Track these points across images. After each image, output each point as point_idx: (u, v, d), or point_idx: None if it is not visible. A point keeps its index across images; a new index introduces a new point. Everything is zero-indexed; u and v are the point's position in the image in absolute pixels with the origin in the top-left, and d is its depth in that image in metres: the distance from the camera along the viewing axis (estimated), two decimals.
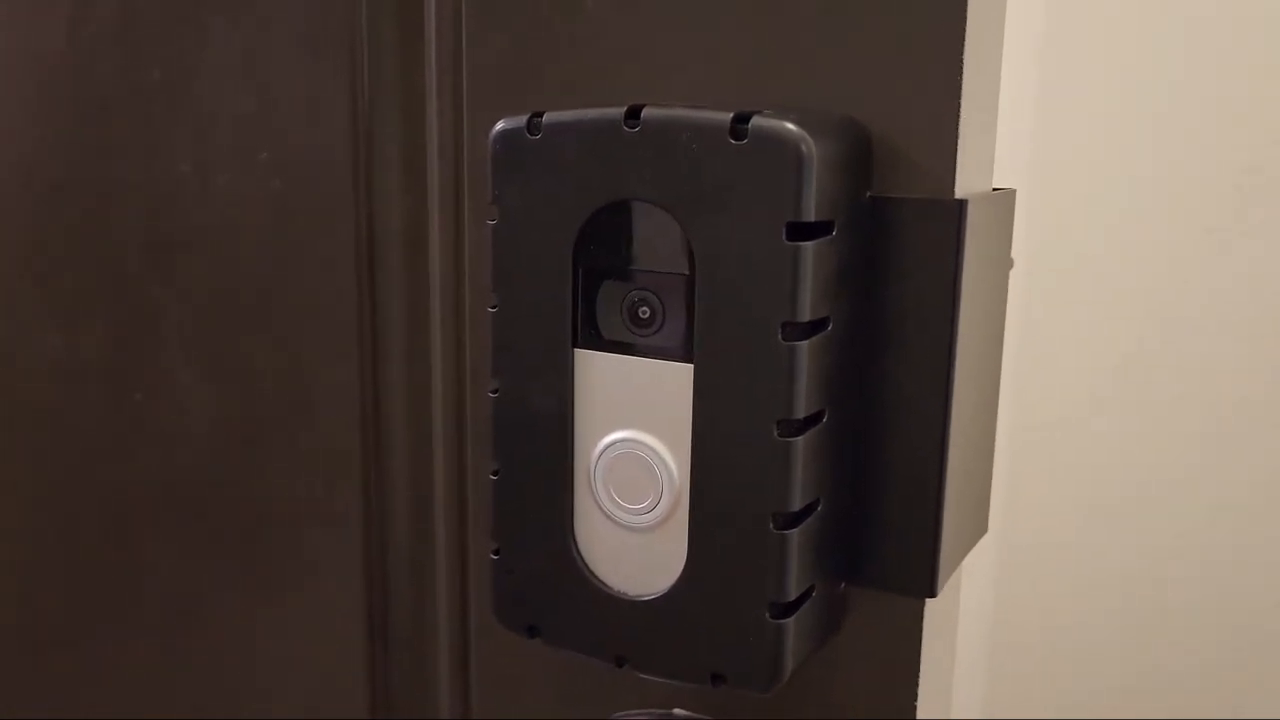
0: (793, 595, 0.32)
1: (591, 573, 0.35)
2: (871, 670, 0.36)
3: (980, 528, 0.39)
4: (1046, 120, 0.88)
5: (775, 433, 0.31)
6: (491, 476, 0.36)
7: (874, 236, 0.33)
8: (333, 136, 0.42)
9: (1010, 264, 0.39)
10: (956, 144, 0.32)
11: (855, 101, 0.33)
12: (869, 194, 0.33)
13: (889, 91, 0.33)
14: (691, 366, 0.32)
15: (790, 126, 0.30)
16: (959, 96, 0.32)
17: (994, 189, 0.36)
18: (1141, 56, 0.86)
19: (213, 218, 0.46)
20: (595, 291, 0.33)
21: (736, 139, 0.30)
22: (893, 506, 0.35)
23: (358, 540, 0.45)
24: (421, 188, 0.42)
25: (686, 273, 0.32)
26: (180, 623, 0.50)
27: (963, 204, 0.32)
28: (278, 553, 0.47)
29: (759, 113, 0.30)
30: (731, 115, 0.30)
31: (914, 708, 0.36)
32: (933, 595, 0.35)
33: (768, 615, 0.32)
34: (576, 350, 0.34)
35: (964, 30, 0.32)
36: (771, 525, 0.31)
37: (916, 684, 0.35)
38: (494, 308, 0.35)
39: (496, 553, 0.36)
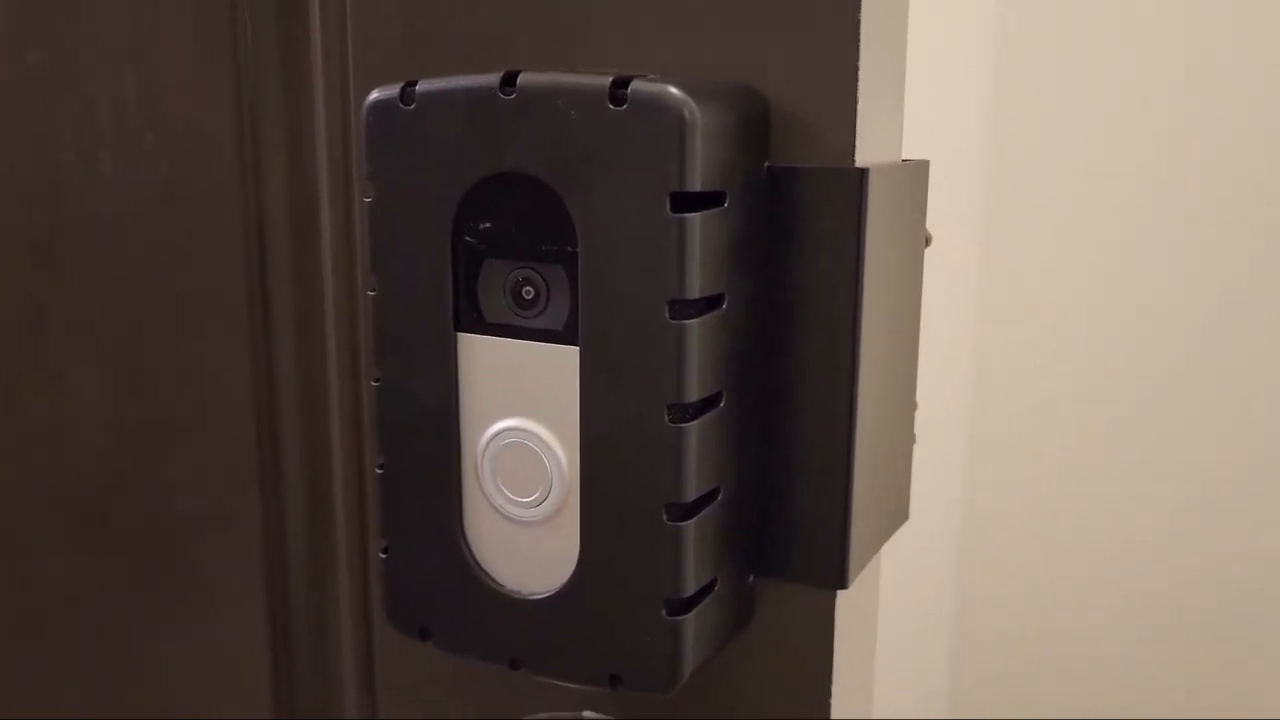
0: (690, 590, 0.30)
1: (483, 570, 0.33)
2: (782, 667, 0.34)
3: (899, 515, 0.38)
4: (1005, 103, 0.87)
5: (666, 418, 0.29)
6: (377, 470, 0.34)
7: (773, 209, 0.32)
8: (218, 117, 0.40)
9: (927, 240, 0.37)
10: (855, 110, 0.31)
11: (752, 69, 0.32)
12: (766, 164, 0.31)
13: (786, 57, 0.31)
14: (577, 349, 0.30)
15: (673, 91, 0.28)
16: (856, 60, 0.30)
17: (904, 160, 0.35)
18: (1103, 45, 0.85)
19: (98, 206, 0.43)
20: (476, 271, 0.31)
21: (615, 104, 0.28)
22: (799, 494, 0.33)
23: (257, 541, 0.43)
24: (311, 169, 0.40)
25: (570, 249, 0.30)
26: (75, 631, 0.48)
27: (864, 173, 0.31)
28: (175, 556, 0.45)
29: (640, 77, 0.28)
30: (610, 79, 0.28)
31: (828, 705, 0.34)
32: (843, 587, 0.33)
33: (664, 612, 0.30)
34: (459, 334, 0.32)
35: None
36: (665, 517, 0.30)
37: (830, 681, 0.34)
38: (373, 291, 0.32)
39: (385, 551, 0.34)
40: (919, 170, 0.35)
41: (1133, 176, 0.86)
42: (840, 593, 0.33)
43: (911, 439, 0.38)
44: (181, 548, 0.45)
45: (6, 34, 0.44)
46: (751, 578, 0.34)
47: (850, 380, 0.32)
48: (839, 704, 0.34)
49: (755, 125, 0.31)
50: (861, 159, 0.31)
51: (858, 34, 0.30)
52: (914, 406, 0.38)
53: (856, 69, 0.30)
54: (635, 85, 0.28)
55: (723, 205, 0.29)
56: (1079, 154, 0.86)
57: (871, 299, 0.32)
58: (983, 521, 0.94)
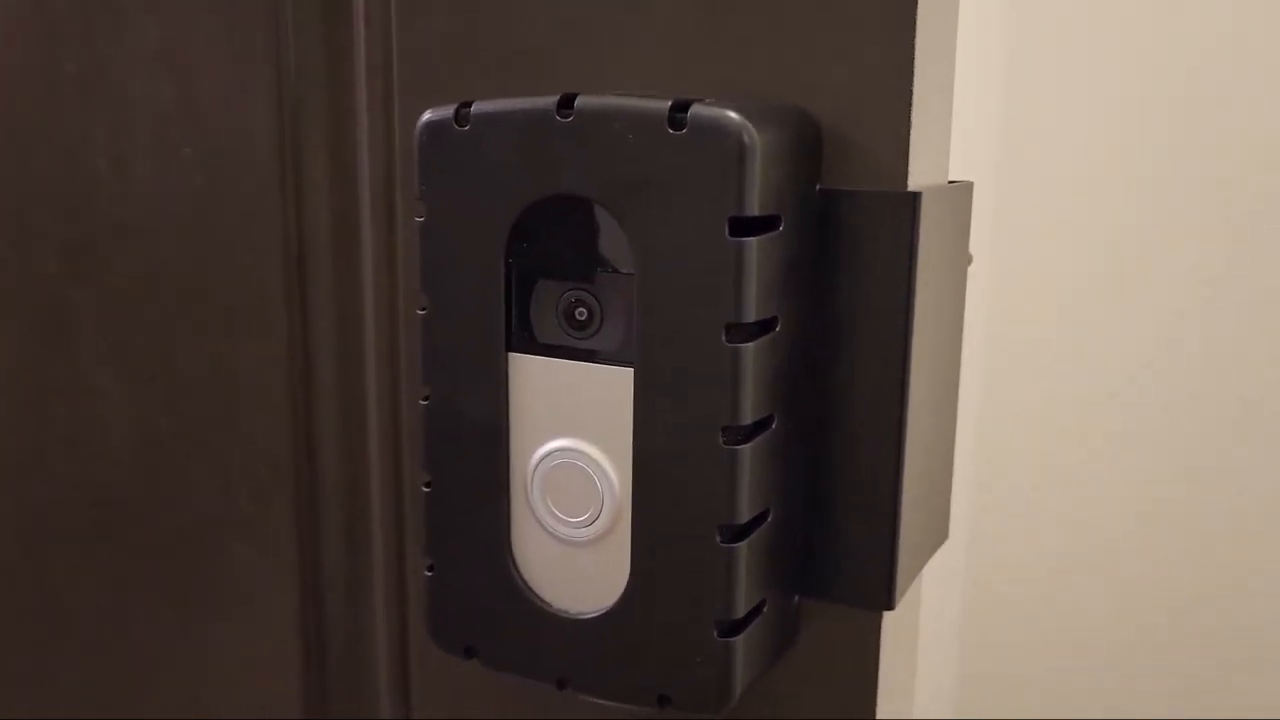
0: (741, 612, 0.30)
1: (530, 590, 0.33)
2: (827, 687, 0.34)
3: (940, 534, 0.38)
4: (1013, 115, 0.87)
5: (721, 440, 0.29)
6: (424, 489, 0.34)
7: (824, 231, 0.32)
8: (258, 129, 0.40)
9: (969, 260, 0.37)
10: (909, 134, 0.31)
11: (804, 89, 0.32)
12: (818, 187, 0.32)
13: (838, 79, 0.31)
14: (632, 371, 0.30)
15: (732, 115, 0.28)
16: (911, 83, 0.30)
17: (950, 182, 0.35)
18: (1110, 54, 0.85)
19: (133, 215, 0.43)
20: (529, 292, 0.31)
21: (675, 129, 0.28)
22: (847, 516, 0.33)
23: (291, 556, 0.43)
24: (352, 183, 0.40)
25: (626, 271, 0.30)
26: (103, 645, 0.48)
27: (916, 196, 0.31)
28: (206, 570, 0.45)
29: (699, 100, 0.28)
30: (669, 103, 0.28)
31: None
32: (890, 608, 0.33)
33: (715, 633, 0.30)
34: (510, 354, 0.32)
35: (915, 15, 0.30)
36: (718, 538, 0.30)
37: (875, 701, 0.34)
38: (423, 310, 0.32)
39: (430, 569, 0.34)
40: (964, 192, 0.35)
41: (1138, 183, 0.86)
42: (886, 613, 0.34)
43: (952, 457, 0.38)
44: (213, 557, 0.45)
45: (42, 41, 0.44)
46: (797, 598, 0.34)
47: (900, 403, 0.32)
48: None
49: (808, 147, 0.31)
50: (913, 181, 0.31)
51: (912, 56, 0.30)
52: (955, 424, 0.38)
53: (911, 91, 0.30)
54: (695, 109, 0.28)
55: (778, 229, 0.29)
56: (1083, 162, 0.87)
57: (921, 322, 0.32)
58: (986, 525, 0.95)
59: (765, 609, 0.31)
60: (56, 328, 0.46)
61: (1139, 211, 0.86)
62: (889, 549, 0.33)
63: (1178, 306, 0.87)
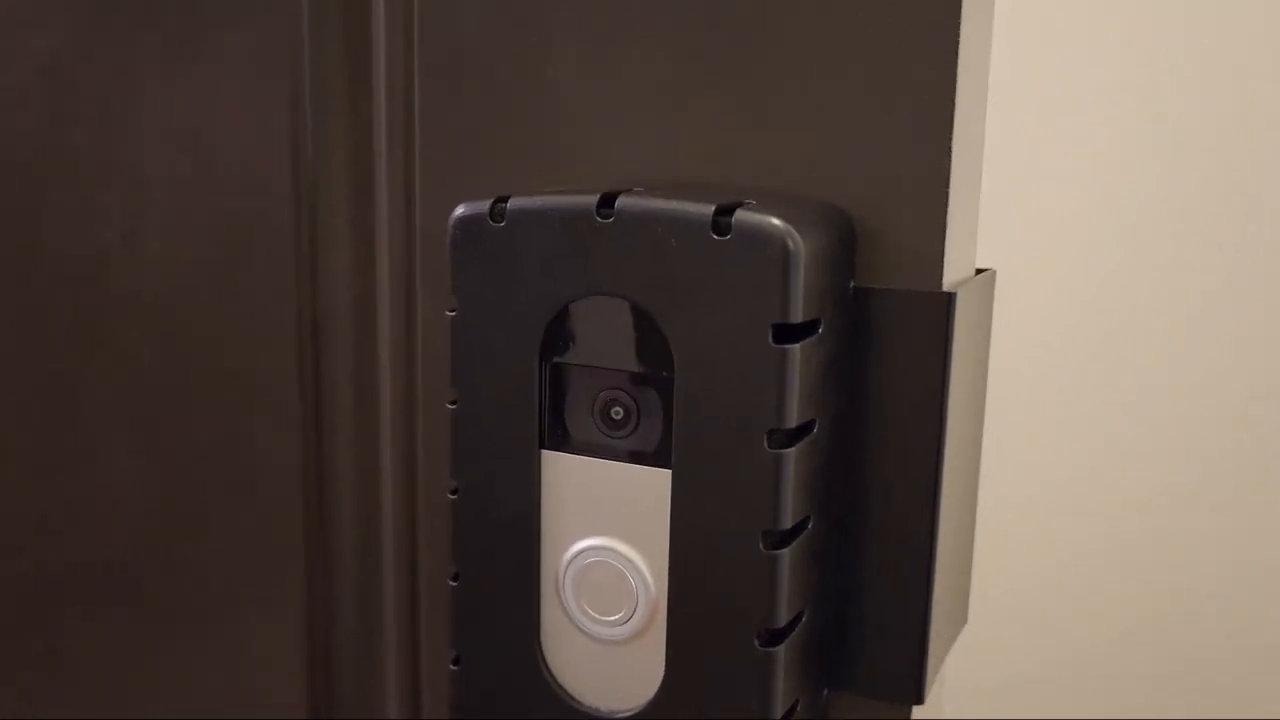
0: (779, 715, 0.30)
1: (560, 687, 0.32)
2: None
3: (960, 620, 0.38)
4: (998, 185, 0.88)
5: (761, 545, 0.29)
6: (451, 582, 0.33)
7: (858, 330, 0.32)
8: (275, 205, 0.40)
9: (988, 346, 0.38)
10: (944, 232, 0.31)
11: (838, 184, 0.32)
12: (852, 284, 0.32)
13: (874, 174, 0.31)
14: (669, 472, 0.30)
15: (775, 222, 0.28)
16: (947, 181, 0.31)
17: (977, 271, 0.35)
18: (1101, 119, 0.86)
19: (143, 287, 0.43)
20: (564, 390, 0.31)
21: (719, 234, 0.28)
22: (878, 611, 0.33)
23: (300, 633, 0.42)
24: (370, 265, 0.39)
25: (664, 373, 0.30)
26: (105, 716, 0.47)
27: (951, 297, 0.31)
28: (213, 643, 0.44)
29: (742, 204, 0.28)
30: (713, 208, 0.28)
31: None
32: (919, 702, 0.33)
33: None
34: (544, 451, 0.31)
35: (953, 114, 0.30)
36: (756, 642, 0.29)
37: None
38: (453, 404, 0.32)
39: (456, 662, 0.34)
40: (989, 281, 0.35)
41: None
42: (915, 707, 0.33)
43: (973, 542, 0.38)
44: (223, 628, 0.44)
45: (52, 112, 0.43)
46: (825, 691, 0.34)
47: (932, 501, 0.32)
48: None
49: (845, 246, 0.31)
50: (947, 277, 0.31)
51: (949, 152, 0.30)
52: (976, 509, 0.38)
53: (947, 189, 0.31)
54: (739, 215, 0.28)
55: (818, 333, 0.29)
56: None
57: (953, 419, 0.32)
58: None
59: (798, 707, 0.31)
60: (66, 397, 0.45)
61: (1146, 280, 0.87)
62: (919, 644, 0.33)
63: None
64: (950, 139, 0.30)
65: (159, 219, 0.42)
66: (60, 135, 0.43)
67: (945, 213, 0.31)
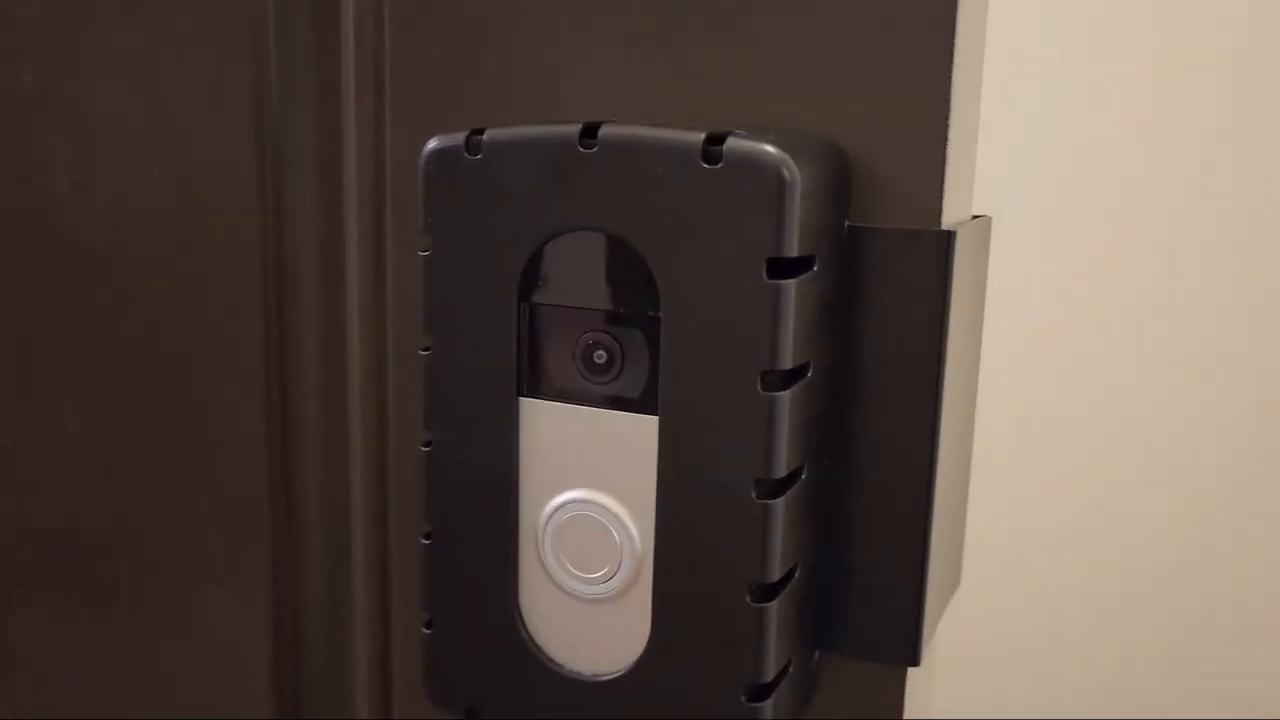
0: (771, 674, 0.28)
1: (539, 649, 0.31)
2: None
3: (954, 581, 0.36)
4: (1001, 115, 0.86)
5: (753, 494, 0.27)
6: (423, 541, 0.31)
7: (852, 271, 0.30)
8: (237, 149, 0.38)
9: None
10: (944, 169, 0.29)
11: (832, 122, 0.30)
12: (846, 224, 0.30)
13: (871, 112, 0.30)
14: (655, 419, 0.28)
15: (769, 149, 0.26)
16: (947, 117, 0.29)
17: (973, 217, 0.33)
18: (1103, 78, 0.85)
19: (96, 239, 0.40)
20: (544, 333, 0.29)
21: (709, 162, 0.26)
22: (872, 568, 0.31)
23: (265, 606, 0.40)
24: (337, 207, 0.37)
25: (650, 313, 0.28)
26: (57, 702, 0.45)
27: (950, 235, 0.29)
28: (172, 619, 0.42)
29: (733, 133, 0.27)
30: (703, 135, 0.27)
31: None
32: (915, 664, 0.32)
33: (743, 698, 0.28)
34: (522, 399, 0.30)
35: (953, 44, 0.29)
36: (748, 597, 0.28)
37: None
38: (426, 350, 0.30)
39: (429, 625, 0.32)
40: (985, 227, 0.34)
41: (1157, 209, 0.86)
42: (910, 669, 0.32)
43: (967, 500, 0.37)
44: (182, 604, 0.42)
45: None
46: (817, 654, 0.32)
47: (930, 450, 0.30)
48: None
49: (839, 183, 0.29)
50: (946, 218, 0.30)
51: (949, 88, 0.29)
52: (970, 465, 0.37)
53: (947, 125, 0.29)
54: (731, 142, 0.26)
55: (813, 269, 0.28)
56: (1103, 188, 0.86)
57: (951, 363, 0.30)
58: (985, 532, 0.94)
59: (791, 669, 0.30)
60: (11, 357, 0.43)
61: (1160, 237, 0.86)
62: (916, 603, 0.31)
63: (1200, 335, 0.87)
64: (951, 72, 0.29)
65: (111, 164, 0.40)
66: (2, 74, 0.41)
67: (945, 148, 0.29)
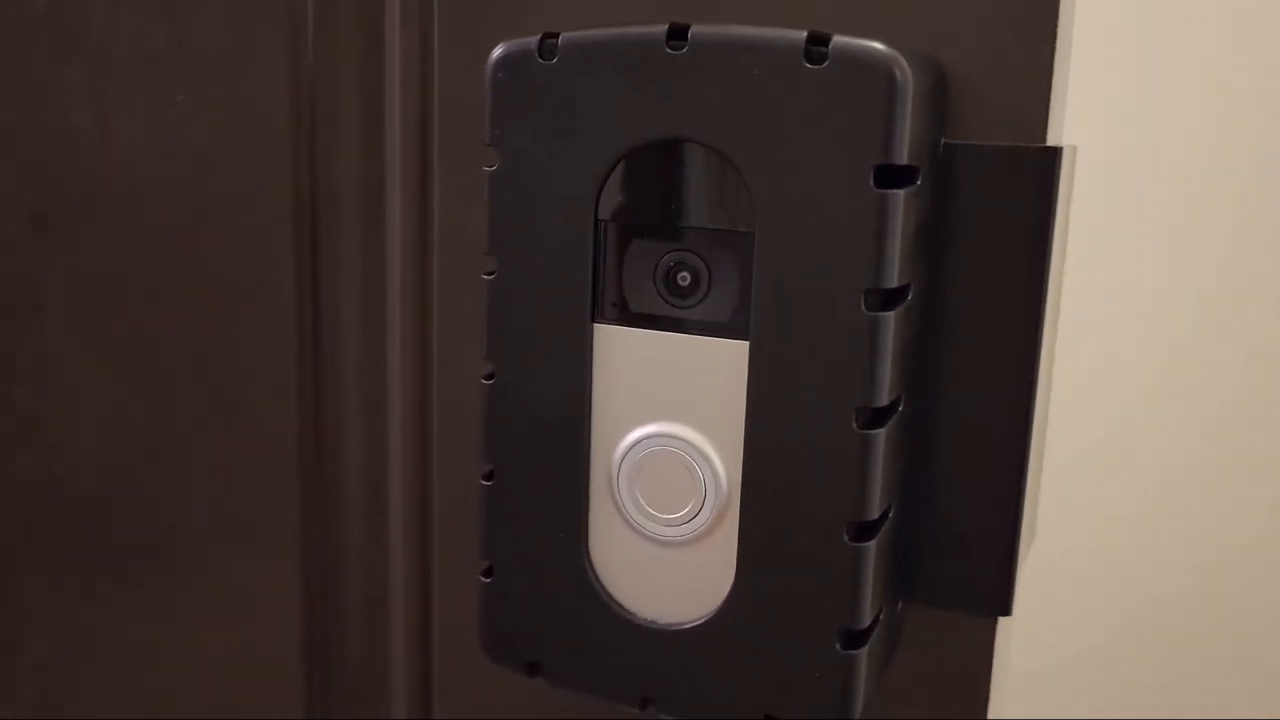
0: (868, 620, 0.26)
1: (610, 596, 0.29)
2: (935, 702, 0.31)
3: (1032, 533, 0.34)
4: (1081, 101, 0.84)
5: (854, 423, 0.25)
6: (483, 482, 0.29)
7: (948, 191, 0.28)
8: (267, 77, 0.35)
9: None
10: (1050, 81, 0.27)
11: (926, 33, 0.28)
12: (943, 141, 0.28)
13: (970, 22, 0.28)
14: (746, 344, 0.26)
15: (879, 47, 0.24)
16: (1055, 24, 0.27)
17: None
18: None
19: (113, 177, 0.38)
20: (622, 253, 0.27)
21: (813, 63, 0.24)
22: (963, 512, 0.29)
23: (295, 566, 0.38)
24: (378, 136, 0.35)
25: (740, 228, 0.26)
26: (73, 668, 0.42)
27: (1056, 152, 0.27)
28: (195, 583, 0.40)
29: (834, 34, 0.25)
30: (805, 34, 0.25)
31: None
32: (1007, 613, 0.30)
33: (838, 645, 0.26)
34: (596, 325, 0.27)
35: None
36: (845, 536, 0.26)
37: (985, 714, 0.30)
38: (490, 274, 0.28)
39: (488, 573, 0.30)
40: (1074, 155, 0.32)
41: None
42: (1001, 620, 0.30)
43: (1043, 446, 0.35)
44: (204, 572, 0.39)
45: None
46: (900, 604, 0.30)
47: (1029, 385, 0.28)
48: None
49: (938, 94, 0.27)
50: (1051, 137, 0.28)
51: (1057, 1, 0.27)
52: (1048, 408, 0.35)
53: (1055, 35, 0.27)
54: (837, 41, 0.24)
55: (917, 183, 0.26)
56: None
57: (1051, 296, 0.29)
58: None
59: (882, 617, 0.28)
60: (18, 306, 0.40)
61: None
62: (1009, 551, 0.29)
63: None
64: None
65: (129, 97, 0.37)
66: (14, 2, 0.38)
67: (1053, 59, 0.27)
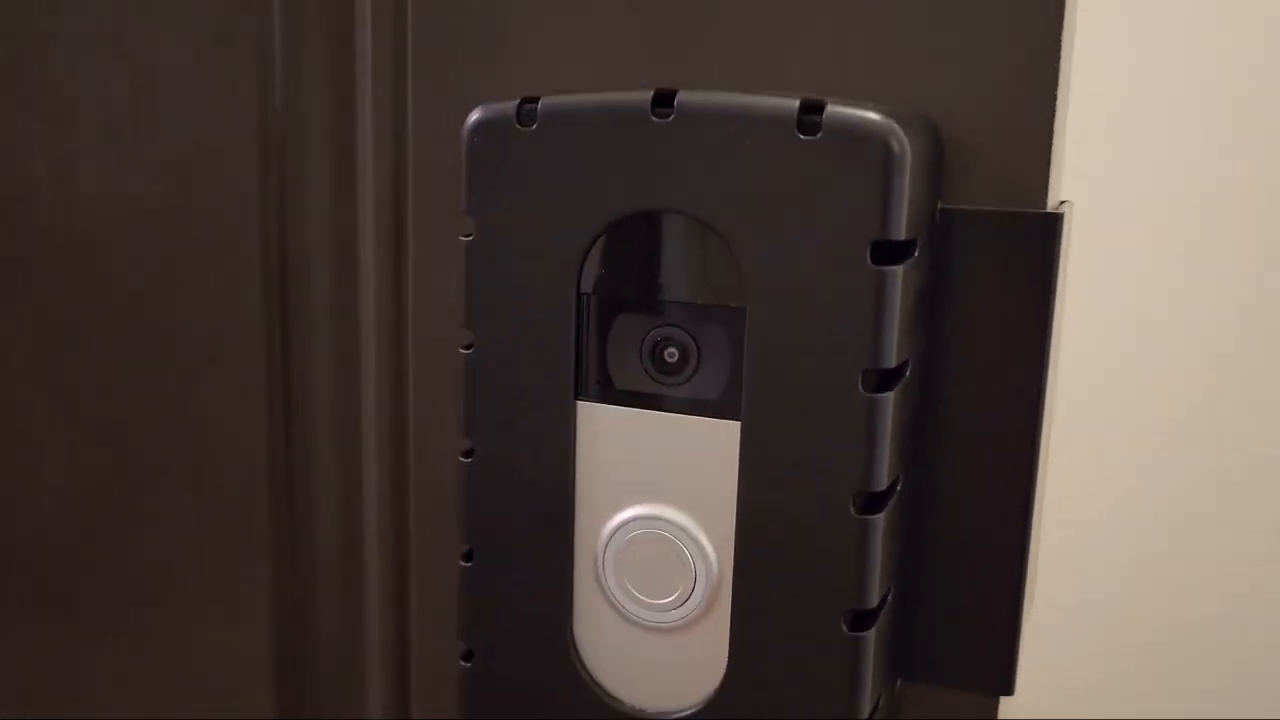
0: (867, 711, 0.25)
1: (597, 684, 0.27)
2: None
3: (1031, 598, 0.33)
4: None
5: (852, 508, 0.24)
6: (462, 563, 0.28)
7: (945, 257, 0.27)
8: (235, 126, 0.34)
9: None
10: (1051, 144, 0.26)
11: (924, 96, 0.27)
12: (939, 206, 0.27)
13: (969, 84, 0.27)
14: (738, 425, 0.25)
15: (875, 117, 0.23)
16: (1055, 89, 0.26)
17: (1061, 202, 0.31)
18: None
19: (77, 229, 0.36)
20: (606, 328, 0.26)
21: (805, 133, 0.23)
22: (964, 589, 0.28)
23: (265, 634, 0.36)
24: (350, 188, 0.34)
25: (731, 304, 0.25)
26: None
27: (1057, 218, 0.26)
28: (161, 648, 0.38)
29: (829, 101, 0.24)
30: (798, 102, 0.23)
31: None
32: (1009, 692, 0.29)
33: None
34: (579, 403, 0.26)
35: (1064, 11, 0.26)
36: (844, 625, 0.25)
37: None
38: (468, 348, 0.27)
39: (467, 657, 0.28)
40: (1070, 214, 0.31)
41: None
42: (1003, 700, 0.29)
43: (1042, 513, 0.34)
44: (168, 637, 0.38)
45: None
46: (899, 683, 0.29)
47: (1031, 454, 0.27)
48: None
49: (935, 160, 0.26)
50: (1051, 200, 0.27)
51: (1058, 57, 0.26)
52: (1046, 469, 0.34)
53: (1055, 98, 0.26)
54: (831, 110, 0.23)
55: (914, 256, 0.25)
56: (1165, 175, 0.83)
57: (1051, 363, 0.28)
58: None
59: (881, 702, 0.27)
60: None
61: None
62: (1011, 626, 0.28)
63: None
64: (1060, 36, 0.26)
65: (94, 145, 0.36)
66: None
67: (1052, 125, 0.26)
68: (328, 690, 0.37)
